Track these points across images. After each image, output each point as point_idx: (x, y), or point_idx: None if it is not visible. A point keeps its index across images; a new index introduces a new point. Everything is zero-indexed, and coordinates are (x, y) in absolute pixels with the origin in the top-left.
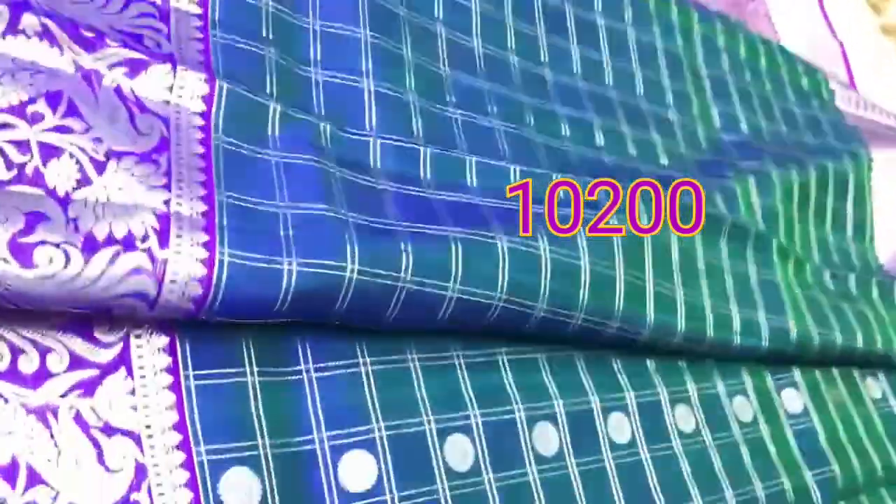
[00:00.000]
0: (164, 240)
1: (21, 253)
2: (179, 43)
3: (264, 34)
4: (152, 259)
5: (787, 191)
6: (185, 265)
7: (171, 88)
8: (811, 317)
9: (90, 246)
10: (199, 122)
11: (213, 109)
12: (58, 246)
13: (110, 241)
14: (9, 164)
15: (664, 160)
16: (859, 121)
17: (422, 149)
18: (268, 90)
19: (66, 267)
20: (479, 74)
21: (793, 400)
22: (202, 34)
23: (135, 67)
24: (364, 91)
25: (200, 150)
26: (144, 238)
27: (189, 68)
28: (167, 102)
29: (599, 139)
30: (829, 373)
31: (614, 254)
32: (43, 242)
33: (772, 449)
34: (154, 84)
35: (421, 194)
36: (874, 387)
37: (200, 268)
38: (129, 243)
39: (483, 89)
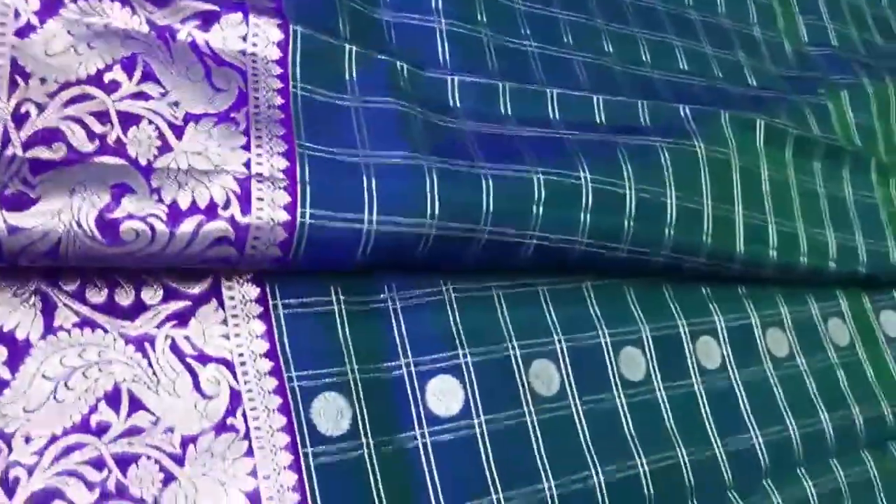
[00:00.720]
0: (245, 206)
1: (108, 229)
2: None
3: None
4: (235, 226)
5: (884, 105)
6: (267, 231)
7: (245, 37)
8: None
9: (174, 217)
10: (277, 69)
11: (290, 56)
12: (143, 219)
13: (193, 209)
14: (91, 136)
15: (752, 80)
16: None
17: (500, 84)
18: (341, 33)
19: (151, 241)
20: (553, 3)
21: (893, 323)
22: None
23: (207, 19)
24: (436, 30)
25: (279, 100)
26: (226, 205)
27: (262, 15)
28: (243, 53)
29: (683, 63)
30: None
31: (702, 187)
32: (129, 216)
33: (870, 373)
34: (228, 34)
35: (502, 132)
36: None
37: (281, 232)
38: (211, 211)
39: (557, 18)
